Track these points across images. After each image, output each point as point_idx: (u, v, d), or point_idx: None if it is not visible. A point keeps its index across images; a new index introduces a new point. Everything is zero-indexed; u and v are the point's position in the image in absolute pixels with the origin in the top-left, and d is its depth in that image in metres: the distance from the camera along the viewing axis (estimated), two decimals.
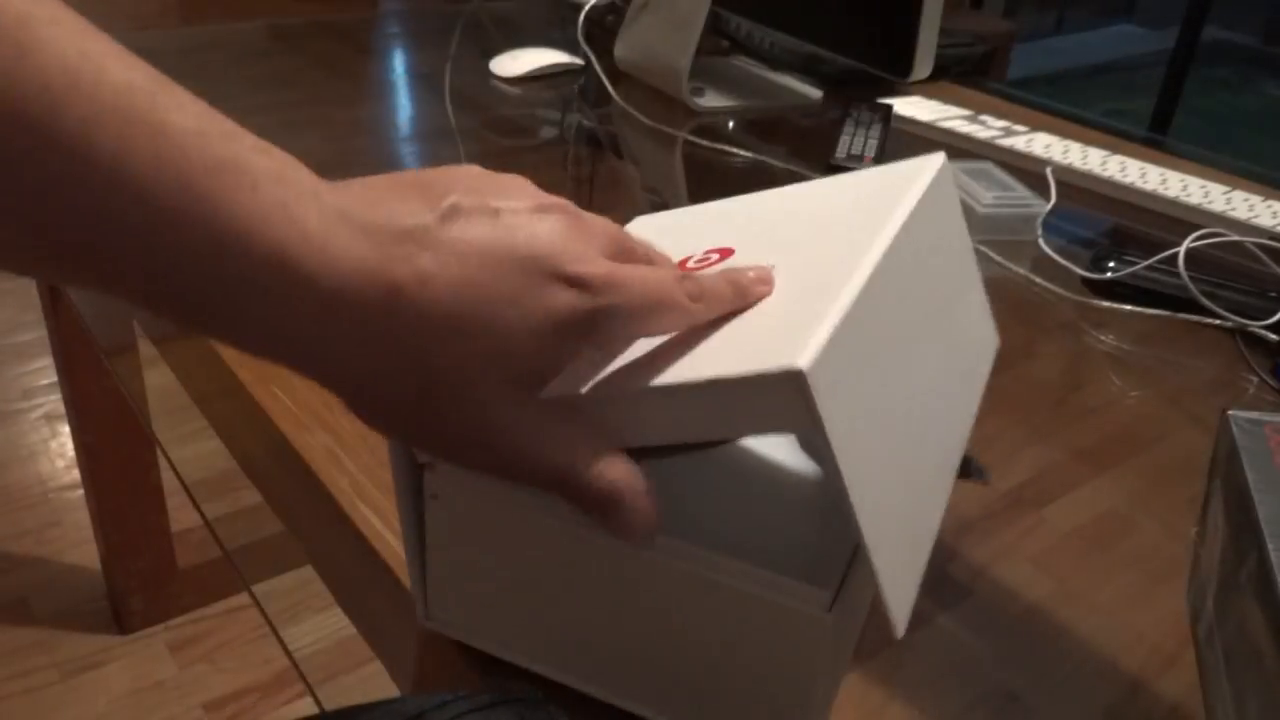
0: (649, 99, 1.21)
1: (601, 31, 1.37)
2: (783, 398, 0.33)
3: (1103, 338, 0.80)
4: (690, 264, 0.45)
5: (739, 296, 0.39)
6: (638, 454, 0.38)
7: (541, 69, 1.26)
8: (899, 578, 0.37)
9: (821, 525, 0.42)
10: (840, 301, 0.36)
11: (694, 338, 0.38)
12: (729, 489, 0.44)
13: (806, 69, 1.34)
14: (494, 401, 0.34)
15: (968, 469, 0.66)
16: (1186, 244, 0.84)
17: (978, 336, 0.51)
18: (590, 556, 0.42)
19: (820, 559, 0.40)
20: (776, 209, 0.50)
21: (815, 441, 0.45)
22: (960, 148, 1.13)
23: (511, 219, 0.35)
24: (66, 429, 1.61)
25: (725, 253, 0.45)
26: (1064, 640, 0.52)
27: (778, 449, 0.47)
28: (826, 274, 0.39)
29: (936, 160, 0.48)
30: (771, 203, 0.51)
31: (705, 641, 0.41)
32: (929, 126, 1.17)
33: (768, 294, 0.39)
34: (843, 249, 0.41)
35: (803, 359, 0.33)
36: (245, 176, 0.29)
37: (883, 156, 1.05)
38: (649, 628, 0.42)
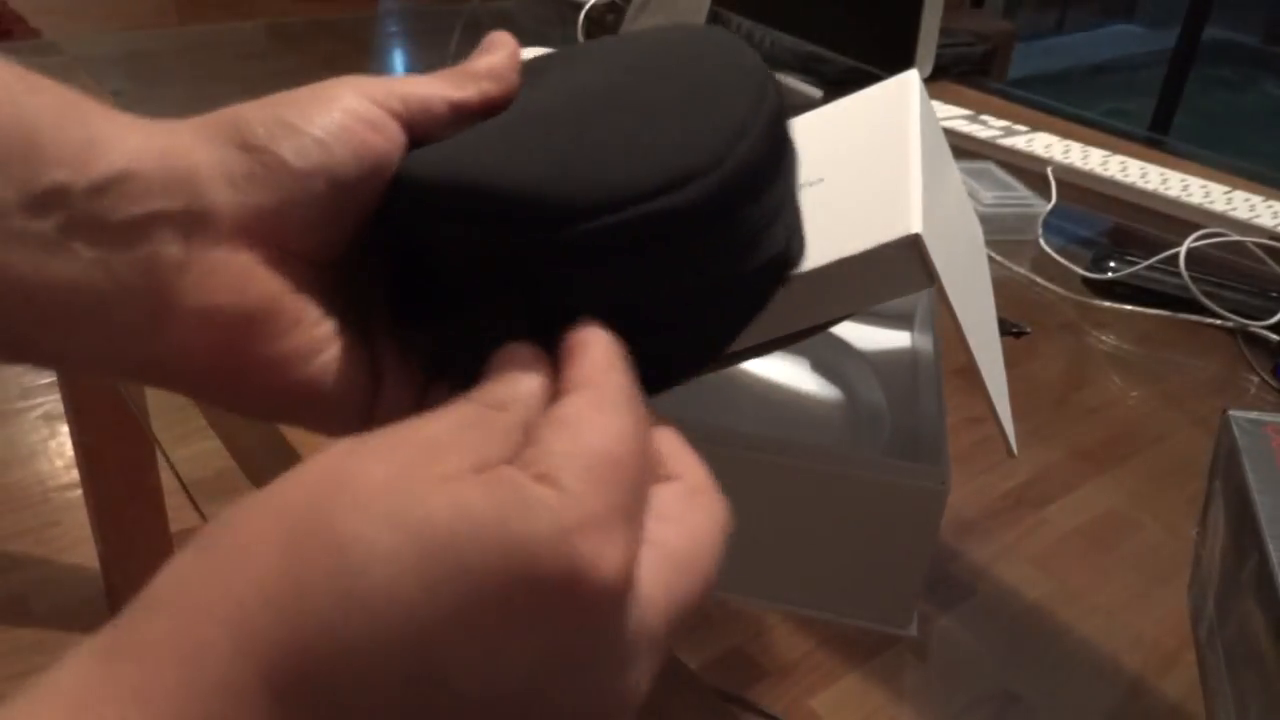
0: None
1: (601, 31, 1.37)
2: (902, 262, 0.38)
3: (1103, 338, 0.80)
4: None
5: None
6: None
7: None
8: (1003, 407, 0.44)
9: (857, 425, 0.55)
10: (912, 180, 0.40)
11: None
12: (772, 408, 0.57)
13: (806, 69, 1.34)
14: None
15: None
16: (1187, 244, 0.84)
17: (971, 213, 0.60)
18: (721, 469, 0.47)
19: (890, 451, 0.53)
20: None
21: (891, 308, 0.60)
22: (961, 147, 1.13)
23: None
24: (66, 429, 1.62)
25: None
26: (1064, 640, 0.52)
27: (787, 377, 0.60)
28: (878, 168, 0.43)
29: (913, 77, 0.52)
30: None
31: (834, 530, 0.48)
32: None
33: None
34: (879, 148, 0.45)
35: (915, 224, 0.37)
36: None
37: None
38: (778, 529, 0.48)
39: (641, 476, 0.24)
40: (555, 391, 0.26)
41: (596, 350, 0.26)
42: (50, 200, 0.26)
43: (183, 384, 0.30)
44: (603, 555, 0.21)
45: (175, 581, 0.21)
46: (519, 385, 0.26)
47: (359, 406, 0.31)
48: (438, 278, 0.29)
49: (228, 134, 0.29)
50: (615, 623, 0.22)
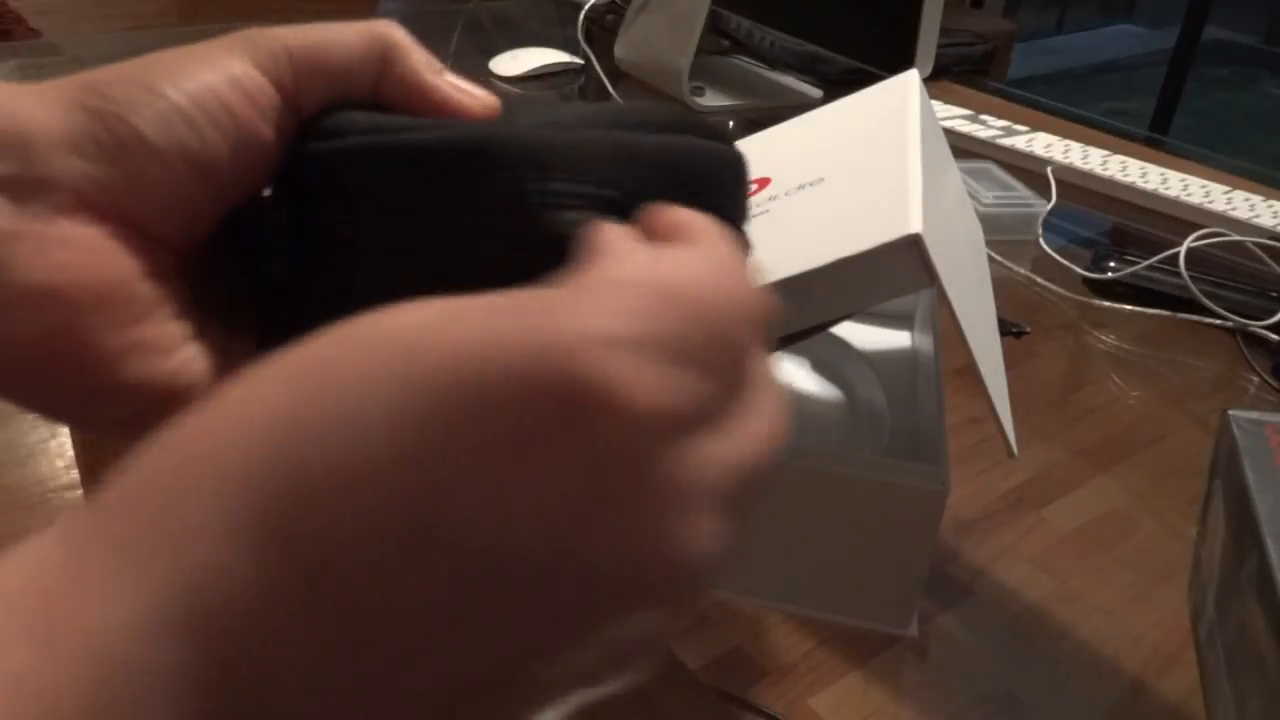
0: (649, 99, 1.21)
1: (601, 31, 1.37)
2: (901, 263, 0.38)
3: (1103, 338, 0.80)
4: None
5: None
6: None
7: (541, 69, 1.26)
8: (1003, 407, 0.44)
9: (857, 425, 0.56)
10: (912, 181, 0.40)
11: (761, 239, 0.42)
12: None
13: (806, 68, 1.34)
14: None
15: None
16: (1187, 244, 0.84)
17: (971, 213, 0.60)
18: None
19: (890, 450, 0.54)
20: (786, 139, 0.52)
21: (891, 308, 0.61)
22: (961, 147, 1.13)
23: None
24: (66, 429, 1.62)
25: (763, 182, 0.47)
26: (1064, 640, 0.52)
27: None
28: (878, 168, 0.43)
29: (913, 77, 0.52)
30: (778, 135, 0.53)
31: (834, 530, 0.48)
32: None
33: None
34: (879, 149, 0.45)
35: (915, 224, 0.37)
36: None
37: None
38: (778, 529, 0.48)
39: (729, 332, 0.20)
40: None
41: (697, 217, 0.23)
42: None
43: (2, 381, 0.26)
44: (625, 370, 0.18)
45: (163, 440, 0.19)
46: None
47: None
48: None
49: (80, 98, 0.25)
50: (647, 458, 0.18)
